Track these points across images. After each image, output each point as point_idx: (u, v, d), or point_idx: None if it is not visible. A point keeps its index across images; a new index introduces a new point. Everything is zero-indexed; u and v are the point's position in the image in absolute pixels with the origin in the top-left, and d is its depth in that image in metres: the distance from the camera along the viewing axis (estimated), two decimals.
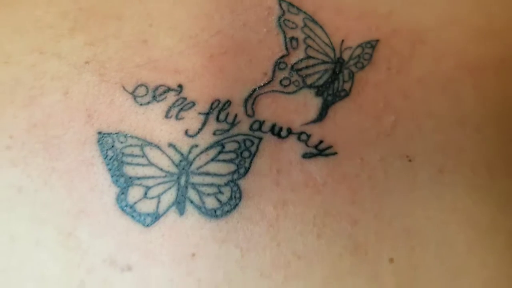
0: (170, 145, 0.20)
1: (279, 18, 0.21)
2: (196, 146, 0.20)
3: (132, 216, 0.19)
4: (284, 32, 0.21)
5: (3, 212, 0.20)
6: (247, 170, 0.20)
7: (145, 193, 0.19)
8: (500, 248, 0.21)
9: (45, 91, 0.20)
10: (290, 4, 0.21)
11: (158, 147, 0.19)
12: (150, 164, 0.19)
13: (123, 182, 0.19)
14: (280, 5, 0.21)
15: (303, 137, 0.20)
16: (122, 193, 0.19)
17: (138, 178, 0.19)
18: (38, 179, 0.20)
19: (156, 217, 0.19)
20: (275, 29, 0.21)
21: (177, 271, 0.20)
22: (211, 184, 0.19)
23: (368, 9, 0.22)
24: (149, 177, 0.19)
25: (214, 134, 0.20)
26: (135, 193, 0.19)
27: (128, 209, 0.19)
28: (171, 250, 0.20)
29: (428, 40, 0.22)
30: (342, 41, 0.21)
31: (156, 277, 0.19)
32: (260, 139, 0.20)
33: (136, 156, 0.19)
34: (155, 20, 0.20)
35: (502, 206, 0.22)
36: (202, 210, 0.19)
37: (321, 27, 0.21)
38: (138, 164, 0.19)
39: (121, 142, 0.19)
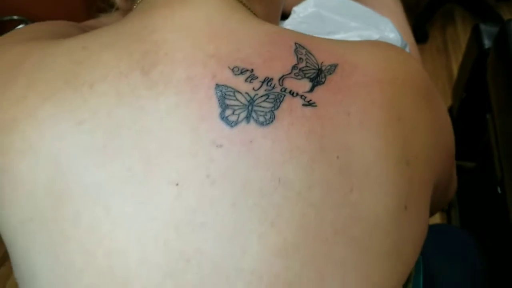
0: (246, 92, 0.41)
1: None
2: (257, 94, 0.41)
3: (226, 122, 0.40)
4: None
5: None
6: (278, 106, 0.42)
7: (233, 112, 0.40)
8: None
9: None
10: None
11: (241, 93, 0.41)
12: (237, 99, 0.41)
13: (224, 107, 0.41)
14: None
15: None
16: (223, 111, 0.41)
17: (231, 105, 0.41)
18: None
19: (236, 122, 0.40)
20: None
21: (242, 151, 0.39)
22: (262, 111, 0.41)
23: None
24: (235, 105, 0.41)
25: (265, 90, 0.41)
26: (228, 111, 0.40)
27: (225, 118, 0.40)
28: (241, 138, 0.39)
29: None
30: None
31: (233, 152, 0.40)
32: (284, 95, 0.42)
33: (231, 95, 0.42)
34: None
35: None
36: (257, 121, 0.40)
37: None
38: (231, 99, 0.41)
39: (225, 89, 0.43)
